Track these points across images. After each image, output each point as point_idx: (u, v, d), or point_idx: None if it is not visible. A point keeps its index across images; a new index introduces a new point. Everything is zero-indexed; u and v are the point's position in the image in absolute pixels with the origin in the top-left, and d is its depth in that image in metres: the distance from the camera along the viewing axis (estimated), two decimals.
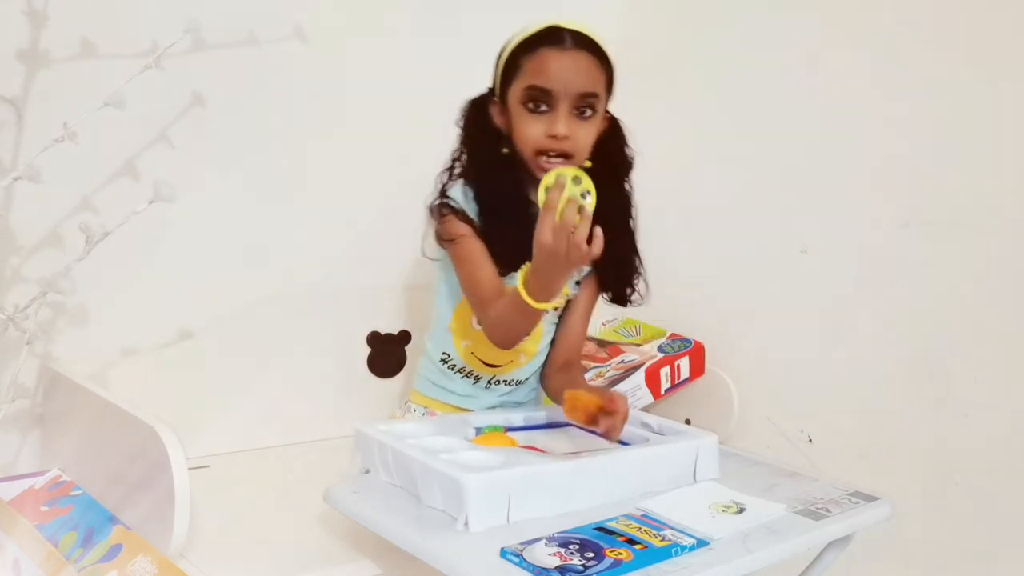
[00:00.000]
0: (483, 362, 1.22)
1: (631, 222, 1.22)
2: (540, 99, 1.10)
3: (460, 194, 1.16)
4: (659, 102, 1.78)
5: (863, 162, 1.43)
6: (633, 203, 1.22)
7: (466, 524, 0.86)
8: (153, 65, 1.12)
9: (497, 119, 1.17)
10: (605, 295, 1.25)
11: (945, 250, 1.33)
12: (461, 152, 1.19)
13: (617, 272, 1.21)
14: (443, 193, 1.17)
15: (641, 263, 1.23)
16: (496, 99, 1.17)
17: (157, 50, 1.13)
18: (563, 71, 1.09)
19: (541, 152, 1.11)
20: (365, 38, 1.52)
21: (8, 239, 1.22)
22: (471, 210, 1.15)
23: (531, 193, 1.12)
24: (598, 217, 1.02)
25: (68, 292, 1.04)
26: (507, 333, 1.13)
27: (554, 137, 1.10)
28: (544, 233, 0.98)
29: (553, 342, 1.27)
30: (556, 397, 1.22)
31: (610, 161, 1.18)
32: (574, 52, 1.10)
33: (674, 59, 1.77)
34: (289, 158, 1.46)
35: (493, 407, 1.24)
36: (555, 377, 1.25)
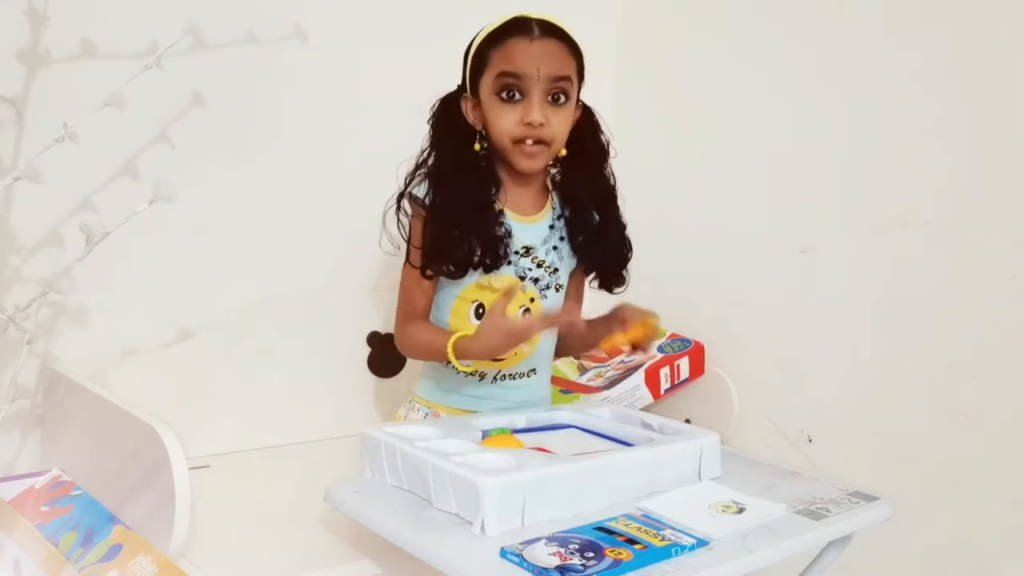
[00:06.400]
0: None
1: (616, 209, 1.22)
2: (512, 86, 1.10)
3: (422, 195, 1.15)
4: (658, 102, 1.78)
5: (863, 162, 1.43)
6: (616, 189, 1.22)
7: (483, 528, 0.86)
8: (153, 65, 1.11)
9: (470, 115, 1.16)
10: (592, 283, 1.25)
11: (945, 250, 1.33)
12: (429, 151, 1.17)
13: (604, 258, 1.22)
14: (408, 192, 1.15)
15: (630, 249, 1.23)
16: (467, 95, 1.16)
17: (157, 50, 1.13)
18: (533, 57, 1.09)
19: (518, 141, 1.12)
20: (365, 38, 1.52)
21: (8, 239, 1.22)
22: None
23: (495, 195, 1.15)
24: (582, 205, 1.17)
25: (68, 292, 1.04)
26: (413, 352, 1.20)
27: (530, 124, 1.10)
28: (509, 336, 1.07)
29: None
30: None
31: (586, 150, 1.19)
32: (542, 40, 1.11)
33: (674, 59, 1.77)
34: (289, 158, 1.46)
35: (505, 409, 1.19)
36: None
